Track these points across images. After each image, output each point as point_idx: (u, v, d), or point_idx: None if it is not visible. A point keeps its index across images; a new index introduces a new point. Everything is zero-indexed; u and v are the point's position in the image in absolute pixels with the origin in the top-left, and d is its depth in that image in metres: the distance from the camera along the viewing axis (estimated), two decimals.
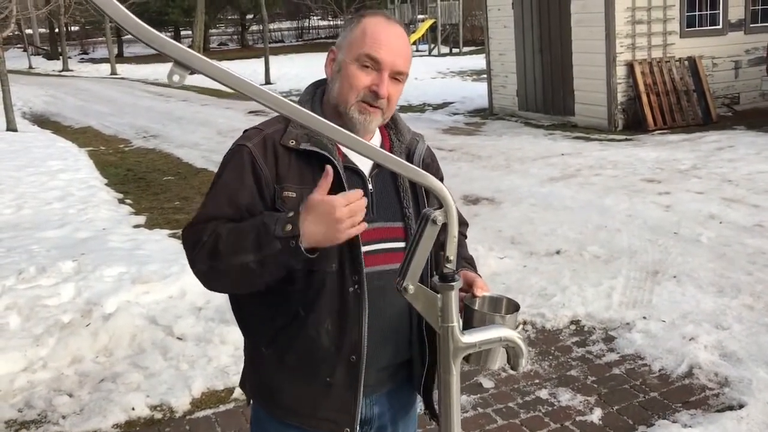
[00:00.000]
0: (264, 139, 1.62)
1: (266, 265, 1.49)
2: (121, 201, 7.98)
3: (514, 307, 1.53)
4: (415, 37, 27.78)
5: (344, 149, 1.63)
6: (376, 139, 1.72)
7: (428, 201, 1.73)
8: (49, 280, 4.95)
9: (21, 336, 4.10)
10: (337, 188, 1.58)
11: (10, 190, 8.24)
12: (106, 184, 8.87)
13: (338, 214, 1.44)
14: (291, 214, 1.47)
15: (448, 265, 1.29)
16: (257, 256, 1.48)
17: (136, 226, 6.80)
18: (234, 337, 3.96)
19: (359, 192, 1.48)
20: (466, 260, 1.79)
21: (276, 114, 1.52)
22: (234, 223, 1.56)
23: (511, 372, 3.62)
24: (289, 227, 1.45)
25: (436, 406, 1.75)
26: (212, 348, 3.98)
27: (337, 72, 1.64)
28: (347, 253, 1.58)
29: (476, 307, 1.51)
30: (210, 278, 1.58)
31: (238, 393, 3.55)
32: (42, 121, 15.88)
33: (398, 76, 1.63)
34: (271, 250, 1.46)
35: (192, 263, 1.58)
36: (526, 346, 1.38)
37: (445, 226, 1.24)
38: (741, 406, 3.27)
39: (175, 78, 0.99)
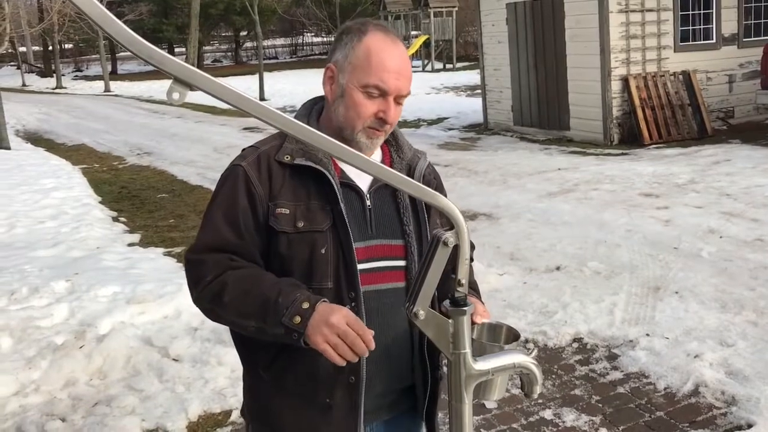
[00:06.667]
0: (258, 157, 1.61)
1: (264, 334, 1.51)
2: (115, 219, 7.90)
3: (513, 335, 1.46)
4: (408, 53, 27.84)
5: (341, 164, 1.60)
6: (376, 155, 1.69)
7: (429, 218, 1.68)
8: (41, 300, 4.86)
9: (13, 359, 4.01)
10: (332, 203, 1.57)
11: (2, 209, 8.13)
12: (99, 202, 8.79)
13: (335, 333, 1.41)
14: (306, 305, 1.44)
15: (459, 289, 1.24)
16: (258, 325, 1.49)
17: (131, 245, 6.72)
18: (231, 358, 3.88)
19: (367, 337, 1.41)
20: (469, 285, 1.73)
21: (275, 131, 1.47)
22: (240, 264, 1.55)
23: (515, 392, 3.56)
24: (297, 320, 1.43)
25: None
26: (209, 370, 3.90)
27: (340, 96, 1.60)
28: (343, 270, 1.56)
29: (474, 336, 1.44)
30: (209, 316, 1.62)
31: (235, 416, 3.47)
32: (35, 138, 15.80)
33: (401, 99, 1.62)
34: (273, 329, 1.47)
35: (194, 297, 1.60)
36: (540, 373, 1.33)
37: (456, 248, 1.19)
38: (749, 426, 3.20)
39: (175, 96, 0.93)
